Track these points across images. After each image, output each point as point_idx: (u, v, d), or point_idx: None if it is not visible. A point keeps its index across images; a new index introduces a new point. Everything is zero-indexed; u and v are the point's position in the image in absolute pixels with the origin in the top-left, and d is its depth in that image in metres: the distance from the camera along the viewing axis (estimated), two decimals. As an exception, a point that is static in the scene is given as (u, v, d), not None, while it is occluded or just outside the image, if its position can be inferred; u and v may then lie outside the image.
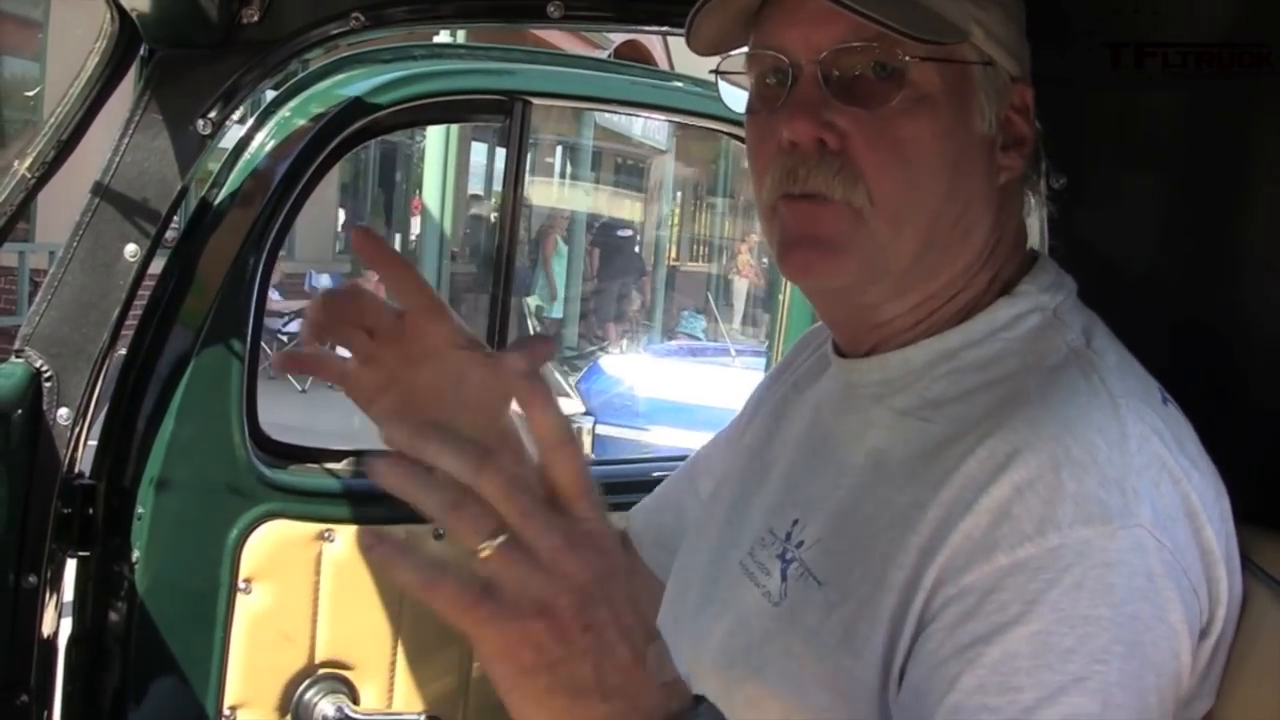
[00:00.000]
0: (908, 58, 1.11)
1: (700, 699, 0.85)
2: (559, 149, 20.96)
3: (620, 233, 20.73)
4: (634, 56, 11.57)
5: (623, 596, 0.81)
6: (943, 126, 1.13)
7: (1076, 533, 0.97)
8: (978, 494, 1.02)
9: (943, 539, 1.03)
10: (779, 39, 1.16)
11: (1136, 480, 1.00)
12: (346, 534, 2.24)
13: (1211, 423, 1.13)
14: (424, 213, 13.91)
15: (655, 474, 2.12)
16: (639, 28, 2.17)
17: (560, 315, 17.85)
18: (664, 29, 2.02)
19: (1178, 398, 1.14)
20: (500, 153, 2.47)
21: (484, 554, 0.77)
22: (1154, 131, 1.51)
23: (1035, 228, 1.65)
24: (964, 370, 1.15)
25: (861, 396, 1.22)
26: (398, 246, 18.52)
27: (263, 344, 2.36)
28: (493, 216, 18.95)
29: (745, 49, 1.22)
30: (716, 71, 1.30)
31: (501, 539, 0.77)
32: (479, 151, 18.13)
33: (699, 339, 16.93)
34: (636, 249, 20.26)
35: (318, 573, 2.23)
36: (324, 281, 13.60)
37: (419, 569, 0.78)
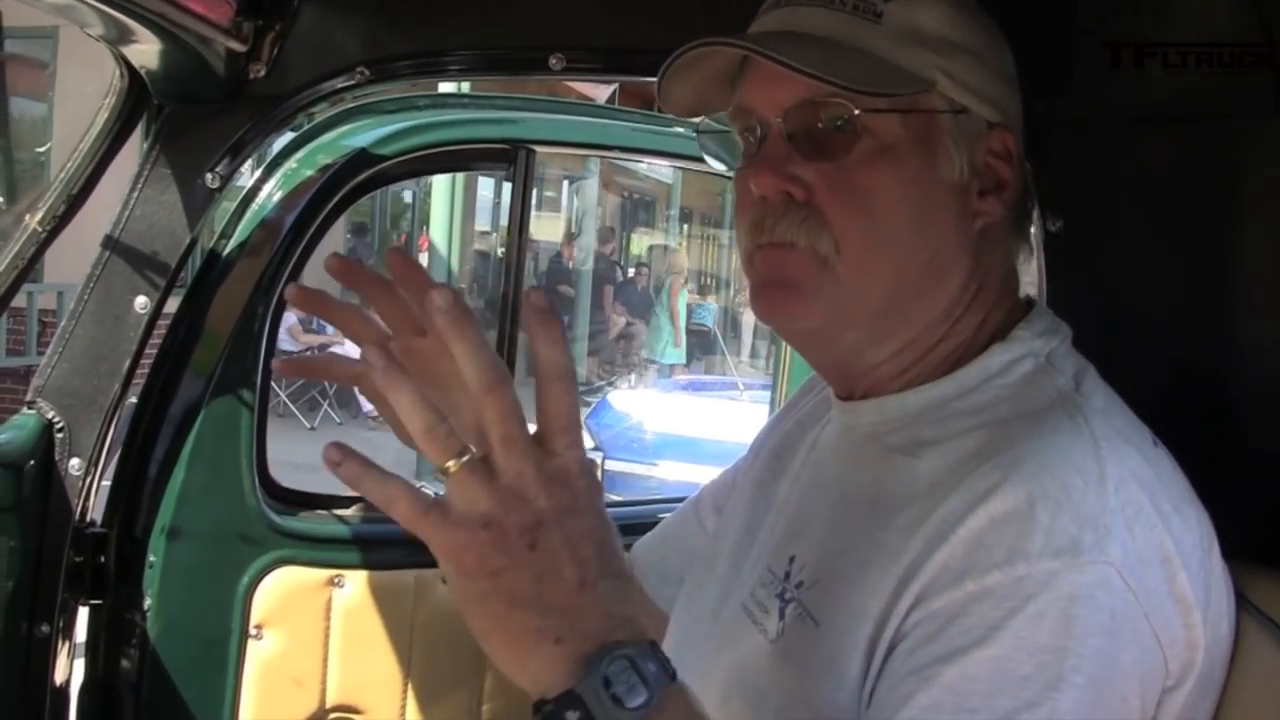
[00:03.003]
0: (858, 111, 1.15)
1: (653, 643, 0.90)
2: (564, 184, 21.04)
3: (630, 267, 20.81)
4: (637, 95, 11.61)
5: (584, 531, 0.88)
6: (905, 174, 1.16)
7: (1044, 564, 0.99)
8: (955, 525, 1.04)
9: (920, 567, 1.05)
10: (749, 98, 1.21)
11: (1110, 520, 1.01)
12: (356, 579, 2.26)
13: (1206, 461, 1.14)
14: (431, 250, 13.88)
15: (663, 515, 2.14)
16: (638, 78, 2.21)
17: (684, 361, 17.34)
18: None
19: (1172, 436, 1.15)
20: (507, 187, 2.50)
21: (450, 469, 0.86)
22: (1147, 175, 1.53)
23: (1032, 270, 1.67)
24: (957, 416, 1.16)
25: (857, 437, 1.25)
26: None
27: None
28: (499, 252, 18.99)
29: (723, 111, 1.27)
30: (699, 131, 1.37)
31: (466, 458, 0.85)
32: (486, 186, 18.17)
33: (708, 328, 16.97)
34: (646, 283, 20.29)
35: (328, 618, 2.25)
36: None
37: (379, 483, 0.86)
